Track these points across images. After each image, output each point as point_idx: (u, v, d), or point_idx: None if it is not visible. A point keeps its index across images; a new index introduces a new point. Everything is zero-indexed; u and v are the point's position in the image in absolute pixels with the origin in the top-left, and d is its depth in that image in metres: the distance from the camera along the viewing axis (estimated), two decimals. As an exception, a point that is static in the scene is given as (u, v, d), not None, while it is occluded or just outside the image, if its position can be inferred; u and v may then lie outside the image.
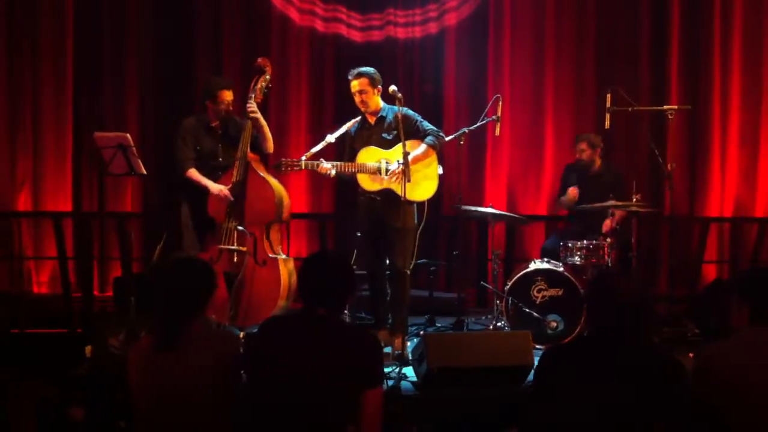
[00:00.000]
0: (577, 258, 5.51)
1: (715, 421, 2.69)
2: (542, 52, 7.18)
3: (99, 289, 6.87)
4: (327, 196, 7.22)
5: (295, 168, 5.03)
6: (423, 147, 5.00)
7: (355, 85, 5.04)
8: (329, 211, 7.22)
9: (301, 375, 2.71)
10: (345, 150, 5.24)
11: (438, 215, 6.46)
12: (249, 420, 2.80)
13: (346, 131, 5.22)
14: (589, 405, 2.54)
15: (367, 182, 5.03)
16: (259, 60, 5.18)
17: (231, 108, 5.17)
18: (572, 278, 5.34)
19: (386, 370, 4.20)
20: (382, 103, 5.13)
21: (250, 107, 5.06)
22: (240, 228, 4.99)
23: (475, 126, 5.63)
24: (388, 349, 4.83)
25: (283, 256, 5.14)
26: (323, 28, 7.18)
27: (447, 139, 5.24)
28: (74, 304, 6.32)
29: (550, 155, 7.16)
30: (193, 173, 5.12)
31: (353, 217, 5.46)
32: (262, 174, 5.09)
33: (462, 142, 5.51)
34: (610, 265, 5.46)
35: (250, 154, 5.08)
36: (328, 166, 4.99)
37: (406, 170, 4.73)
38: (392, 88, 4.87)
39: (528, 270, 5.44)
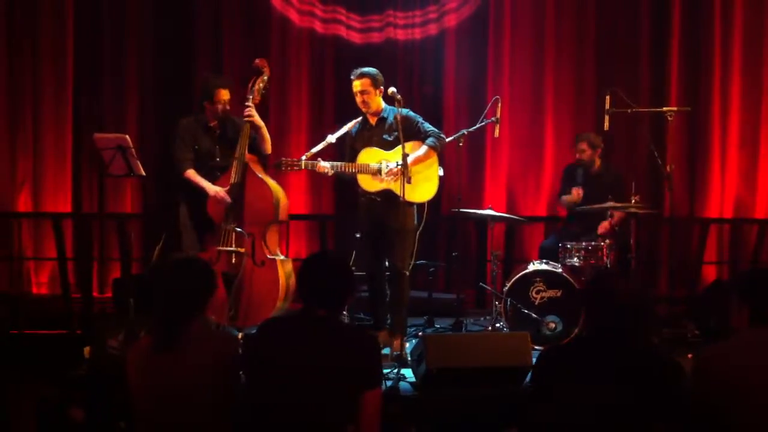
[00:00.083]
0: (575, 259, 5.52)
1: (714, 422, 2.69)
2: (542, 52, 7.18)
3: (98, 290, 6.87)
4: (327, 197, 7.23)
5: (295, 167, 5.04)
6: (424, 148, 5.00)
7: (357, 85, 5.04)
8: (329, 212, 7.22)
9: (300, 376, 2.71)
10: (345, 150, 5.24)
11: (437, 216, 6.46)
12: (248, 420, 2.80)
13: (347, 131, 5.23)
14: (588, 406, 2.54)
15: (367, 182, 5.03)
16: (257, 61, 5.18)
17: (228, 107, 5.16)
18: (571, 279, 5.34)
19: (385, 370, 4.20)
20: (383, 104, 5.13)
21: (246, 111, 5.05)
22: (238, 229, 4.99)
23: (474, 127, 5.64)
24: (387, 350, 4.84)
25: (282, 257, 5.14)
26: (323, 30, 7.18)
27: (447, 140, 5.25)
28: (74, 305, 6.32)
29: (550, 155, 7.16)
30: (192, 174, 5.12)
31: (353, 218, 5.47)
32: (260, 175, 5.09)
33: (461, 144, 5.52)
34: (609, 266, 5.46)
35: (248, 155, 5.08)
36: (326, 166, 4.99)
37: (405, 171, 4.73)
38: (392, 89, 4.87)
39: (527, 271, 5.44)
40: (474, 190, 7.14)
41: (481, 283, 6.49)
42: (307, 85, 7.17)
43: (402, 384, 4.25)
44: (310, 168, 5.03)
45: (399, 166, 4.80)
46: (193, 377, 2.77)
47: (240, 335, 4.73)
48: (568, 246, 5.57)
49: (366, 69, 5.05)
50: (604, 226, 5.87)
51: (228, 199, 4.99)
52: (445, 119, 7.06)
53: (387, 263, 5.16)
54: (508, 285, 5.43)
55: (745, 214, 7.05)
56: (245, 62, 5.43)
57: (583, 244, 5.54)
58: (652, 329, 5.08)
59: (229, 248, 4.98)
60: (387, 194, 4.98)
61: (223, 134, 5.21)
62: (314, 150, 5.10)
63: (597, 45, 7.19)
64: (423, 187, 5.03)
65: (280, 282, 4.97)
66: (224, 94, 5.12)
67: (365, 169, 5.00)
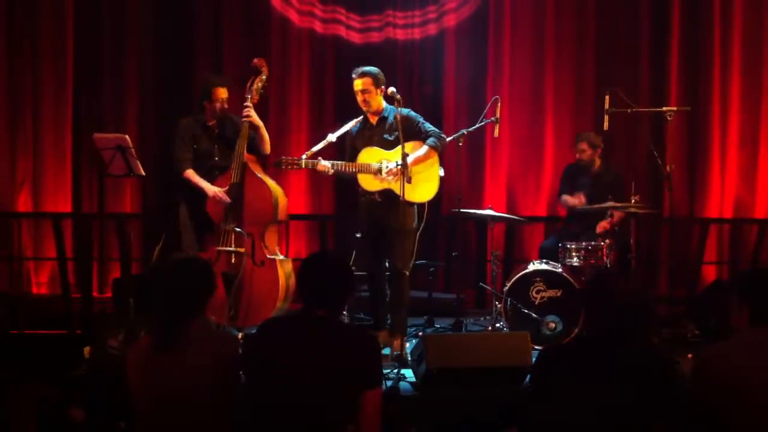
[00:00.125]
0: (575, 259, 5.52)
1: (714, 422, 2.69)
2: (542, 52, 7.18)
3: (98, 290, 6.87)
4: (327, 197, 7.23)
5: (295, 166, 5.04)
6: (425, 149, 5.00)
7: (358, 84, 5.03)
8: (329, 212, 7.22)
9: (300, 376, 2.71)
10: (346, 149, 5.24)
11: (437, 216, 6.46)
12: (248, 420, 2.80)
13: (348, 131, 5.22)
14: (588, 406, 2.54)
15: (367, 182, 5.03)
16: (255, 60, 5.18)
17: (226, 105, 5.16)
18: (571, 279, 5.34)
19: (385, 370, 4.20)
20: (384, 104, 5.12)
21: (245, 111, 5.05)
22: (238, 229, 4.99)
23: (474, 127, 5.63)
24: (387, 350, 4.84)
25: (281, 257, 5.14)
26: (322, 30, 7.17)
27: (447, 140, 5.25)
28: (74, 305, 6.31)
29: (550, 155, 7.16)
30: (191, 174, 5.11)
31: (353, 218, 5.47)
32: (259, 175, 5.09)
33: (461, 144, 5.51)
34: (609, 266, 5.46)
35: (247, 155, 5.08)
36: (326, 165, 4.99)
37: (404, 171, 4.73)
38: (391, 89, 4.87)
39: (527, 271, 5.44)
40: (474, 190, 7.14)
41: (481, 283, 6.49)
42: (307, 85, 7.17)
43: (402, 384, 4.25)
44: (310, 167, 5.02)
45: (399, 166, 4.80)
46: (193, 377, 2.77)
47: (240, 335, 4.73)
48: (568, 246, 5.57)
49: (367, 68, 5.04)
50: (602, 226, 5.86)
51: (227, 199, 4.98)
52: (445, 119, 7.06)
53: (387, 263, 5.16)
54: (508, 285, 5.43)
55: (745, 214, 7.05)
56: (245, 62, 5.42)
57: (583, 244, 5.54)
58: (651, 329, 5.08)
59: (228, 248, 4.98)
60: (387, 194, 4.98)
61: (221, 134, 5.21)
62: (315, 149, 5.10)
63: (597, 45, 7.19)
64: (424, 187, 5.03)
65: (280, 282, 4.97)
66: (222, 93, 5.12)
67: (366, 169, 5.00)
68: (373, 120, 5.13)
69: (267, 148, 5.22)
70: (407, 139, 4.85)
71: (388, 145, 5.03)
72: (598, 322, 2.69)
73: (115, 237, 6.83)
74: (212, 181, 5.10)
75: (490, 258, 6.14)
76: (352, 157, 5.09)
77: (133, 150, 5.15)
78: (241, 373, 2.89)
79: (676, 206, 6.44)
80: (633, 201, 5.40)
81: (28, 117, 6.91)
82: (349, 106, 5.33)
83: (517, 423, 3.15)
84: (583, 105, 7.15)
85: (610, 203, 5.55)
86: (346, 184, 5.41)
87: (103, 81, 7.02)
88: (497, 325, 5.42)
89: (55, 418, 3.78)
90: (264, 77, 5.15)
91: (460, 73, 7.16)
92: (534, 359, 3.33)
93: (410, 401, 4.09)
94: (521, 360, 4.17)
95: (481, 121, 5.62)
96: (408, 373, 4.40)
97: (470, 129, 5.60)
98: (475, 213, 5.71)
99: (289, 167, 5.05)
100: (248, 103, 5.07)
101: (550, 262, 5.52)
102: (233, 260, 4.97)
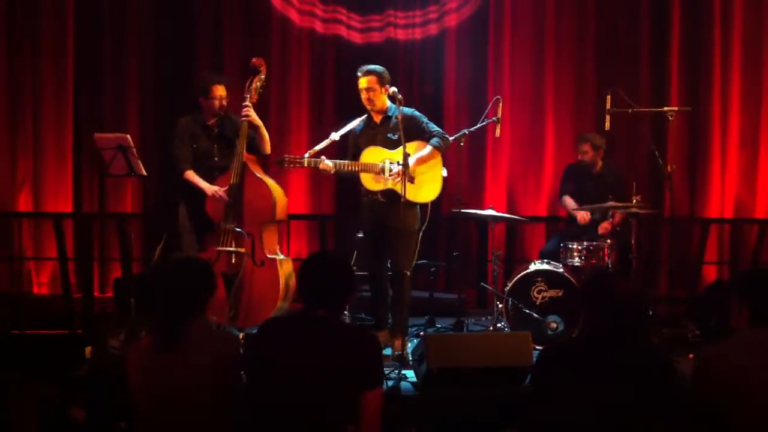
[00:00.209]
0: (576, 259, 5.52)
1: (715, 422, 2.70)
2: (542, 52, 7.17)
3: (99, 290, 6.86)
4: (327, 196, 7.23)
5: (297, 165, 5.03)
6: (428, 149, 4.99)
7: (363, 82, 5.00)
8: (329, 212, 7.22)
9: (300, 376, 2.71)
10: (348, 148, 5.22)
11: (438, 216, 6.45)
12: (249, 420, 2.80)
13: (351, 129, 5.18)
14: (588, 406, 2.54)
15: (370, 182, 5.02)
16: (254, 60, 5.18)
17: (225, 104, 5.16)
18: (572, 279, 5.34)
19: (386, 371, 4.20)
20: (388, 103, 5.08)
21: (244, 111, 5.05)
22: (237, 229, 4.99)
23: (475, 127, 5.63)
24: (388, 350, 4.84)
25: (281, 257, 5.14)
26: (323, 30, 7.17)
27: (450, 140, 5.24)
28: (74, 305, 6.32)
29: (551, 155, 7.16)
30: (191, 175, 5.11)
31: (353, 218, 5.46)
32: (259, 175, 5.09)
33: (462, 144, 5.51)
34: (610, 266, 5.46)
35: (247, 155, 5.07)
36: (329, 164, 4.98)
37: (405, 171, 4.73)
38: (393, 89, 4.87)
39: (528, 271, 5.44)
40: (475, 190, 7.13)
41: (482, 283, 6.49)
42: (308, 85, 7.17)
43: (403, 384, 4.25)
44: (312, 165, 5.01)
45: (400, 168, 4.79)
46: (194, 377, 2.77)
47: (240, 335, 4.73)
48: (570, 246, 5.57)
49: (372, 66, 5.03)
50: (604, 227, 5.87)
51: (226, 197, 4.98)
52: (446, 119, 7.05)
53: (389, 263, 5.15)
54: (510, 285, 5.43)
55: (745, 214, 7.04)
56: (245, 62, 5.42)
57: (585, 244, 5.55)
58: (651, 329, 5.09)
59: (228, 248, 4.98)
60: (390, 194, 4.97)
61: (221, 133, 5.20)
62: (317, 147, 5.07)
63: (597, 45, 7.19)
64: (427, 188, 5.02)
65: (280, 282, 4.97)
66: (219, 90, 5.11)
67: (368, 168, 4.99)
68: (377, 119, 5.11)
69: (267, 148, 5.21)
70: (411, 138, 4.85)
71: (392, 145, 5.00)
72: (597, 322, 2.70)
73: (115, 237, 6.83)
74: (212, 182, 5.09)
75: (491, 258, 6.15)
76: (355, 156, 5.07)
77: (134, 150, 5.15)
78: (241, 373, 2.89)
79: (677, 206, 6.44)
80: (634, 201, 5.40)
81: (28, 117, 6.92)
82: (349, 107, 5.33)
83: (518, 423, 3.15)
84: (584, 105, 7.14)
85: (611, 203, 5.55)
86: (347, 183, 5.40)
87: (104, 81, 7.02)
88: (498, 325, 5.42)
89: (57, 418, 3.78)
90: (263, 77, 5.14)
91: (460, 73, 7.16)
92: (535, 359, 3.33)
93: (411, 401, 4.09)
94: (522, 360, 4.18)
95: (482, 121, 5.61)
96: (409, 373, 4.40)
97: (472, 129, 5.60)
98: (476, 213, 5.71)
99: (292, 166, 5.05)
100: (247, 103, 5.07)
101: (552, 262, 5.52)
102: (233, 260, 4.96)
